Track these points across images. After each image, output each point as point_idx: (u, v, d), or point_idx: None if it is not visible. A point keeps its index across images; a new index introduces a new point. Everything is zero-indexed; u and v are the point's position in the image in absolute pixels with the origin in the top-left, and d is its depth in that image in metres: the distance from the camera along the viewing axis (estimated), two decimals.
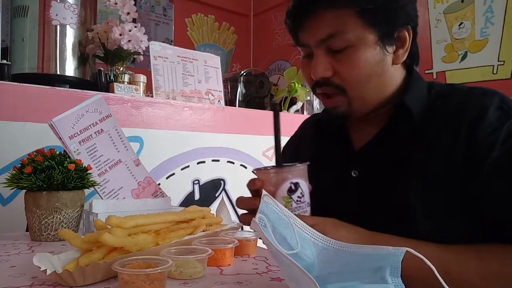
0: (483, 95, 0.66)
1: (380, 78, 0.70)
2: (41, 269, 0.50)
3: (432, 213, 0.64)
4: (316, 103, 2.14)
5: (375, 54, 0.67)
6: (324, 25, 0.66)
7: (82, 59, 1.45)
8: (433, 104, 0.71)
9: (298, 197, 0.64)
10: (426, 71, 2.07)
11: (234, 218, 1.68)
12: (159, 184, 1.10)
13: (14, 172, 0.79)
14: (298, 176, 0.65)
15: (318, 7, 0.66)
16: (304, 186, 0.65)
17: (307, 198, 0.66)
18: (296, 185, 0.64)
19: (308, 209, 0.66)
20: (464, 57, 1.95)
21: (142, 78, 1.54)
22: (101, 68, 1.51)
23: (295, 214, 0.57)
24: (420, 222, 0.65)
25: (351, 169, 0.75)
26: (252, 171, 0.65)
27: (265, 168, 0.66)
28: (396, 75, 0.73)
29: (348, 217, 0.71)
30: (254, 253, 0.71)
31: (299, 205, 0.64)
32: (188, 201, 1.54)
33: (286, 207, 0.59)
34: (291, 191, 0.64)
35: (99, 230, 0.59)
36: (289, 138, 1.00)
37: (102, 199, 0.88)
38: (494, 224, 0.62)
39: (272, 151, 1.08)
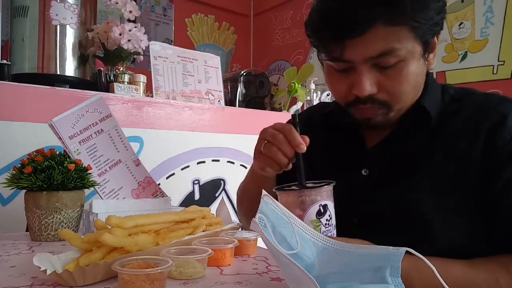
0: (501, 102, 0.67)
1: (420, 87, 0.69)
2: (41, 269, 0.50)
3: (444, 215, 0.64)
4: (316, 103, 2.15)
5: (419, 65, 0.65)
6: (377, 42, 0.61)
7: (82, 59, 1.45)
8: (448, 107, 0.70)
9: (327, 220, 0.60)
10: None
11: (234, 218, 1.68)
12: (159, 184, 1.10)
13: (14, 172, 0.79)
14: (326, 197, 0.60)
15: (374, 24, 0.59)
16: (332, 208, 0.61)
17: (334, 220, 0.61)
18: (325, 207, 0.59)
19: (335, 232, 0.62)
20: (464, 57, 1.95)
21: (142, 78, 1.54)
22: (101, 68, 1.51)
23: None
24: (432, 223, 0.64)
25: (362, 168, 0.73)
26: (274, 190, 0.60)
27: (289, 187, 0.60)
28: (422, 84, 0.71)
29: (358, 216, 0.71)
30: (254, 253, 0.71)
31: (327, 228, 0.59)
32: (188, 201, 1.55)
33: None
34: (320, 214, 0.59)
35: (99, 230, 0.59)
36: None
37: (102, 199, 0.88)
38: (509, 232, 0.62)
39: None
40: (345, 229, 0.63)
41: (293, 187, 0.61)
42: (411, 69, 0.64)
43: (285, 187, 0.62)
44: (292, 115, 0.68)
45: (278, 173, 0.71)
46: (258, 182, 0.80)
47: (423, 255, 0.43)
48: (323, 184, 0.60)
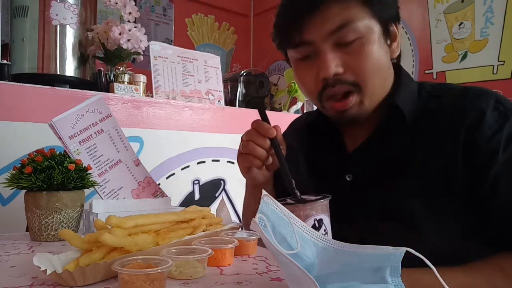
0: (478, 97, 0.65)
1: (387, 73, 0.69)
2: (41, 269, 0.50)
3: (433, 217, 0.63)
4: None
5: (380, 46, 0.66)
6: (333, 17, 0.64)
7: (82, 59, 1.45)
8: (426, 104, 0.69)
9: (322, 234, 0.57)
10: (426, 71, 2.07)
11: (234, 218, 1.68)
12: (159, 184, 1.10)
13: (14, 172, 0.79)
14: (322, 211, 0.58)
15: (327, 1, 0.64)
16: (327, 222, 0.59)
17: (330, 234, 0.60)
18: (320, 221, 0.58)
19: None
20: (464, 57, 1.95)
21: (142, 78, 1.54)
22: (101, 68, 1.51)
23: None
24: (421, 226, 0.63)
25: (345, 173, 0.73)
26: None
27: (284, 201, 0.59)
28: (392, 71, 0.72)
29: (347, 223, 0.69)
30: (254, 253, 0.71)
31: None
32: (188, 201, 1.55)
33: None
34: (314, 228, 0.57)
35: (99, 230, 0.59)
36: None
37: (102, 199, 0.88)
38: (502, 230, 0.61)
39: None
40: (336, 237, 0.62)
41: (288, 201, 0.60)
42: (372, 48, 0.65)
43: (280, 201, 0.60)
44: (257, 102, 0.71)
45: (260, 169, 0.74)
46: (256, 197, 0.81)
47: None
48: (319, 198, 0.59)
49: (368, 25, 0.65)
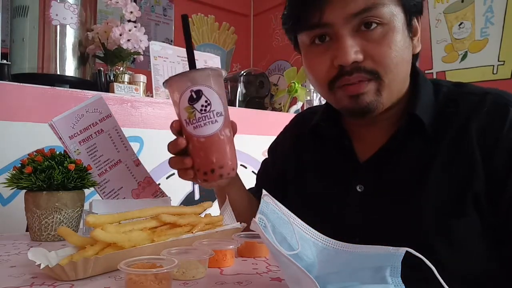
0: (497, 108, 0.61)
1: (408, 68, 0.64)
2: (36, 263, 0.51)
3: (451, 239, 0.59)
4: (317, 103, 2.15)
5: (404, 37, 0.61)
6: None
7: (82, 59, 1.45)
8: (443, 110, 0.64)
9: (202, 105, 0.59)
10: (426, 71, 2.07)
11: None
12: (159, 184, 1.10)
13: (14, 172, 0.79)
14: (201, 83, 0.59)
15: None
16: (211, 94, 0.60)
17: (216, 107, 0.60)
18: (198, 93, 0.59)
19: (220, 119, 0.61)
20: (464, 57, 1.95)
21: (142, 78, 1.54)
22: (101, 68, 1.51)
23: (201, 125, 0.59)
24: (436, 248, 0.59)
25: (356, 183, 0.68)
26: (163, 84, 0.64)
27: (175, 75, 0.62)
28: (410, 68, 0.66)
29: (359, 236, 0.65)
30: (267, 255, 0.70)
31: (204, 114, 0.60)
32: (188, 201, 1.54)
33: (190, 118, 0.60)
34: (192, 100, 0.59)
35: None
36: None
37: (102, 199, 0.88)
38: None
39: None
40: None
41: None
42: (396, 37, 0.60)
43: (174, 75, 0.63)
44: (182, 16, 0.70)
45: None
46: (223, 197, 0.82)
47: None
48: (200, 68, 0.61)
49: (393, 12, 0.59)
